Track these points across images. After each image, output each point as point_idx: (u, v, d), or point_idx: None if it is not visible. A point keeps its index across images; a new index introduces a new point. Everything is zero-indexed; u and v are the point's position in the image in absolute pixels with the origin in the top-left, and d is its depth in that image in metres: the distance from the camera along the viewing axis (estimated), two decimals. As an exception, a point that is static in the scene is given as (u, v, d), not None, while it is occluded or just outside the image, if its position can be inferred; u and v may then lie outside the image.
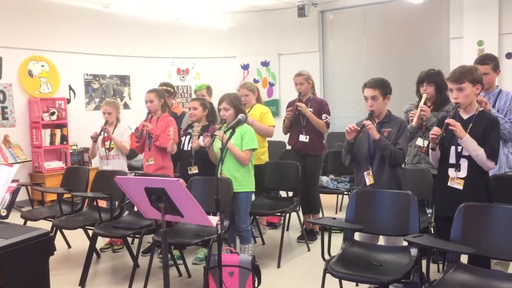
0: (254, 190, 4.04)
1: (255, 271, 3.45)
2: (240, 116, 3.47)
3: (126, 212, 4.34)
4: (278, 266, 4.17)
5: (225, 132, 3.63)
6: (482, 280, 2.55)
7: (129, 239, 4.33)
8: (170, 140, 4.24)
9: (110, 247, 4.76)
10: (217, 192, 2.97)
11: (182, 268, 4.04)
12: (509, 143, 3.56)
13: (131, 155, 5.33)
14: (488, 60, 3.60)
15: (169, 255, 3.99)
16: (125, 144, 4.73)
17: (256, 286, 3.46)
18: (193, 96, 6.93)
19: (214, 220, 2.57)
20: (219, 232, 3.05)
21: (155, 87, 4.81)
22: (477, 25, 6.63)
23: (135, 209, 4.06)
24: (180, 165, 4.47)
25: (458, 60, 6.18)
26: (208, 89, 5.57)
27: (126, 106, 8.20)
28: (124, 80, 8.27)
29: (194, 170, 4.16)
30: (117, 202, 4.36)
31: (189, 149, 4.18)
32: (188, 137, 4.23)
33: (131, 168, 6.49)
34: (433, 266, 3.72)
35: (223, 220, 3.66)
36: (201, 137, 3.94)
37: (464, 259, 2.79)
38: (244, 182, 3.87)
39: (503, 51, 6.58)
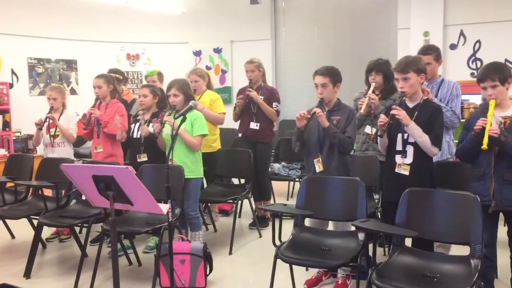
0: (203, 176, 4.02)
1: (207, 258, 3.46)
2: (192, 102, 3.43)
3: (74, 201, 4.21)
4: (230, 253, 4.18)
5: (175, 118, 3.58)
6: (425, 262, 2.67)
7: (77, 229, 4.21)
8: (118, 128, 4.13)
9: (56, 237, 4.62)
10: (167, 179, 2.93)
11: (132, 257, 3.98)
12: (450, 131, 3.71)
13: (78, 142, 5.18)
14: (430, 51, 3.72)
15: (119, 244, 3.93)
16: (71, 131, 4.58)
17: (207, 273, 3.47)
18: (144, 82, 6.80)
19: (165, 208, 2.54)
20: (170, 220, 3.02)
21: (104, 73, 4.67)
22: (423, 16, 6.85)
23: (83, 197, 3.95)
24: (129, 153, 4.38)
25: (405, 50, 6.37)
26: (159, 75, 5.47)
27: (73, 91, 7.93)
28: (70, 64, 7.98)
29: (144, 157, 4.09)
30: (63, 191, 4.23)
31: (138, 136, 4.10)
32: (137, 124, 4.14)
33: (79, 155, 6.31)
34: (380, 250, 3.86)
35: (174, 208, 3.63)
36: (151, 124, 3.87)
37: (408, 242, 2.90)
38: (194, 168, 3.85)
39: (447, 42, 6.84)
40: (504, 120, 2.78)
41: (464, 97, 3.90)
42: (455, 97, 3.63)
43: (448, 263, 2.63)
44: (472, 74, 6.78)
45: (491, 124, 2.68)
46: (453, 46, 6.86)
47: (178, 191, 3.62)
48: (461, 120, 3.70)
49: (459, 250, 2.84)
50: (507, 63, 6.32)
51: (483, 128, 2.67)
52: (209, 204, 4.89)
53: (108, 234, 3.51)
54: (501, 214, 2.90)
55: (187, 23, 8.45)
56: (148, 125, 3.97)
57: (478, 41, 6.72)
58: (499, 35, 6.52)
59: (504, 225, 2.96)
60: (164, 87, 4.41)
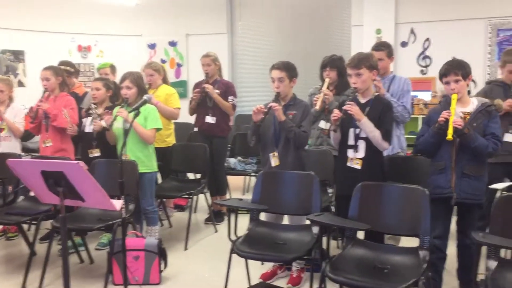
0: (157, 170, 3.97)
1: (161, 254, 3.42)
2: (146, 96, 3.36)
3: (21, 198, 4.05)
4: (185, 248, 4.16)
5: (129, 112, 3.50)
6: (377, 253, 2.74)
7: (25, 226, 4.06)
8: (69, 123, 4.00)
9: (3, 235, 4.44)
10: (121, 174, 2.87)
11: (84, 254, 3.88)
12: (401, 125, 3.82)
13: (26, 136, 4.97)
14: (382, 47, 3.81)
15: (70, 242, 3.82)
16: (18, 125, 4.41)
17: (162, 269, 3.44)
18: (96, 75, 6.61)
19: (118, 204, 2.48)
20: (123, 216, 2.97)
21: (53, 64, 4.50)
22: (376, 14, 7.01)
23: (31, 194, 3.81)
24: (81, 148, 4.26)
25: (358, 47, 6.50)
26: (112, 68, 5.34)
27: (20, 84, 7.61)
28: (18, 55, 7.65)
29: (96, 152, 3.98)
30: (10, 187, 4.06)
31: (90, 130, 3.99)
32: (89, 118, 4.03)
33: (27, 150, 6.05)
34: (333, 243, 3.94)
35: (128, 204, 3.56)
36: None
37: (361, 235, 2.97)
38: (148, 162, 3.80)
39: (399, 39, 7.03)
40: (464, 116, 2.88)
41: (413, 93, 4.02)
42: (406, 93, 3.73)
43: (398, 255, 2.72)
44: (421, 71, 7.00)
45: (454, 117, 2.77)
46: (404, 44, 7.06)
47: (132, 186, 3.55)
48: (411, 116, 3.82)
49: (408, 242, 2.93)
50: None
51: (447, 121, 2.77)
52: (164, 200, 4.83)
53: (58, 231, 3.41)
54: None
55: (141, 15, 8.28)
56: (100, 120, 3.87)
57: (428, 39, 6.94)
58: (447, 34, 6.76)
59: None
60: (117, 80, 4.31)
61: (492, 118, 2.87)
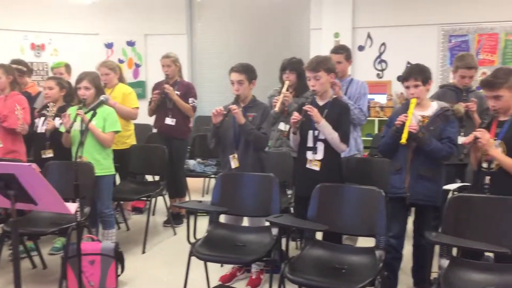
0: (114, 173, 3.90)
1: (118, 258, 3.35)
2: (103, 97, 3.29)
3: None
4: (143, 252, 4.08)
5: (85, 113, 3.42)
6: (335, 254, 2.78)
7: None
8: (19, 121, 3.85)
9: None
10: (76, 177, 2.80)
11: (37, 259, 3.75)
12: (358, 128, 3.90)
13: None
14: (341, 50, 3.88)
15: (21, 246, 3.68)
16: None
17: (119, 273, 3.36)
18: (50, 74, 6.41)
19: (73, 207, 2.41)
20: (78, 219, 2.88)
21: (3, 63, 4.32)
22: (334, 18, 7.12)
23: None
24: (33, 149, 4.11)
25: (317, 50, 6.61)
26: (67, 67, 5.19)
27: (-31, 82, 7.27)
28: (-34, 53, 7.32)
29: (49, 154, 3.85)
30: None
31: (43, 131, 3.86)
32: (42, 118, 3.90)
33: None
34: (293, 244, 3.97)
35: (83, 207, 3.46)
36: (57, 119, 3.66)
37: (320, 236, 3.01)
38: (106, 165, 3.73)
39: (356, 43, 7.17)
40: (423, 119, 2.96)
41: (370, 96, 4.11)
42: (363, 96, 3.81)
43: (355, 255, 2.77)
44: (378, 74, 7.17)
45: (411, 121, 2.85)
46: (361, 48, 7.21)
47: (88, 189, 3.45)
48: (368, 118, 3.91)
49: (365, 242, 2.99)
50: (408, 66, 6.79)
51: (404, 124, 2.84)
52: (121, 202, 4.73)
53: (9, 236, 3.28)
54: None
55: (98, 13, 8.08)
56: (54, 119, 3.75)
57: (384, 43, 7.12)
58: (402, 39, 6.95)
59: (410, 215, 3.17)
60: (72, 80, 4.19)
61: (449, 122, 2.95)
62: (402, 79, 3.03)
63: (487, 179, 2.73)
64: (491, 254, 2.82)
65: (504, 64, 6.52)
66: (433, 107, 3.00)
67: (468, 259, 2.58)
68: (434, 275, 2.64)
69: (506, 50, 6.55)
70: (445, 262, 2.53)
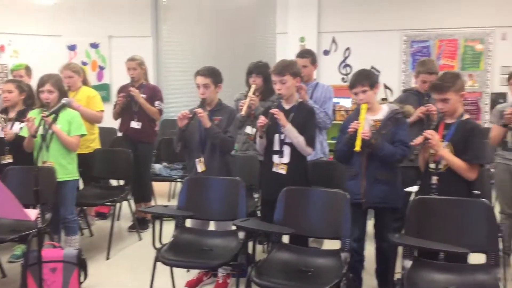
0: (79, 177, 3.82)
1: (81, 265, 3.27)
2: (64, 100, 3.22)
3: None
4: (107, 258, 4.01)
5: (47, 116, 3.33)
6: (301, 257, 2.80)
7: None
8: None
9: None
10: (36, 182, 2.71)
11: (-5, 268, 3.62)
12: (323, 131, 3.94)
13: None
14: (306, 54, 3.92)
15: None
16: None
17: (82, 280, 3.28)
18: (10, 77, 6.21)
19: (33, 213, 2.34)
20: (39, 226, 2.80)
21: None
22: (299, 22, 7.19)
23: None
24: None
25: (283, 54, 6.65)
26: (27, 69, 5.05)
27: None
28: None
29: (8, 159, 3.73)
30: None
31: (2, 136, 3.74)
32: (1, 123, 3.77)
33: None
34: (259, 247, 3.97)
35: (45, 213, 3.37)
36: (16, 123, 3.55)
37: (286, 239, 3.02)
38: (71, 169, 3.66)
39: (321, 48, 7.25)
40: (375, 123, 3.01)
41: (335, 100, 4.17)
42: (328, 100, 3.86)
43: (321, 257, 2.80)
44: (342, 79, 7.28)
45: (364, 127, 2.89)
46: (326, 52, 7.31)
47: (49, 194, 3.37)
48: (333, 122, 3.95)
49: (331, 244, 3.02)
50: (373, 70, 6.92)
51: (357, 131, 2.87)
52: (84, 208, 4.62)
53: (-34, 244, 3.16)
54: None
55: (60, 15, 7.89)
56: (13, 124, 3.64)
57: (348, 48, 7.24)
58: (366, 44, 7.08)
59: (369, 219, 3.22)
60: (33, 82, 4.08)
61: (400, 125, 3.02)
62: (349, 87, 3.07)
63: (435, 179, 2.82)
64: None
65: (463, 69, 6.75)
66: (384, 110, 3.05)
67: (430, 260, 2.64)
68: (397, 275, 2.69)
69: (465, 56, 6.77)
70: (408, 263, 2.58)
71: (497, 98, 6.41)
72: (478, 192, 3.27)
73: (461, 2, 6.71)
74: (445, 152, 2.76)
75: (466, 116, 2.90)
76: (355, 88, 3.02)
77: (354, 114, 3.14)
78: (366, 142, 2.86)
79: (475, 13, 6.65)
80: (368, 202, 3.00)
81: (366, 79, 3.00)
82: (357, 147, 2.84)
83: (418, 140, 2.76)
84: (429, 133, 2.75)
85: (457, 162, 2.75)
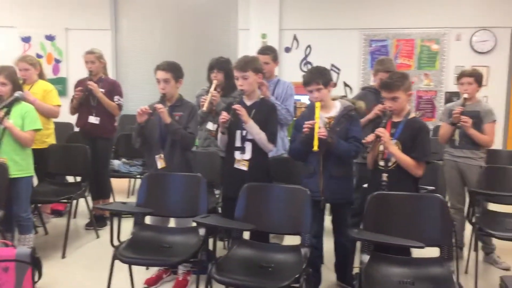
0: (33, 174, 3.70)
1: (35, 264, 3.16)
2: (17, 93, 3.10)
3: None
4: (63, 257, 3.90)
5: (-1, 110, 3.20)
6: (261, 253, 2.81)
7: None
8: None
9: None
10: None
11: None
12: (285, 128, 3.97)
13: None
14: (268, 51, 3.93)
15: None
16: None
17: (36, 280, 3.18)
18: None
19: (-17, 211, 2.25)
20: (-10, 224, 2.70)
21: None
22: (261, 19, 7.21)
23: None
24: None
25: (245, 50, 6.66)
26: (-22, 61, 4.84)
27: None
28: None
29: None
30: None
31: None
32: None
33: None
34: (220, 244, 3.96)
35: (-4, 211, 3.24)
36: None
37: (247, 235, 3.02)
38: (25, 166, 3.53)
39: (283, 45, 7.29)
40: (329, 120, 3.05)
41: (296, 97, 4.20)
42: (289, 96, 3.89)
43: (281, 253, 2.81)
44: (303, 76, 7.33)
45: (319, 126, 2.91)
46: (287, 49, 7.35)
47: (1, 191, 3.25)
48: (294, 118, 3.98)
49: (291, 240, 3.04)
50: (332, 68, 7.03)
51: (313, 129, 2.89)
52: (39, 205, 4.47)
53: None
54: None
55: (14, 5, 7.61)
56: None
57: (309, 46, 7.31)
58: (326, 42, 7.18)
59: (329, 215, 3.27)
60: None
61: (354, 121, 3.08)
62: (303, 84, 3.09)
63: (384, 176, 2.90)
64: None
65: (420, 69, 6.95)
66: (337, 107, 3.10)
67: (387, 254, 2.70)
68: (356, 270, 2.74)
69: (422, 55, 6.97)
70: (366, 258, 2.64)
71: (451, 97, 6.64)
72: (433, 188, 3.41)
73: (418, 3, 6.90)
74: (395, 149, 2.84)
75: (412, 115, 2.99)
76: (309, 86, 3.04)
77: (308, 112, 3.16)
78: (323, 141, 2.89)
79: (431, 14, 6.86)
80: (326, 199, 3.05)
81: (321, 77, 3.03)
82: (315, 147, 2.85)
83: (370, 137, 2.83)
84: (380, 131, 2.82)
85: (406, 159, 2.84)
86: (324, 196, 3.03)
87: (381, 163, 2.93)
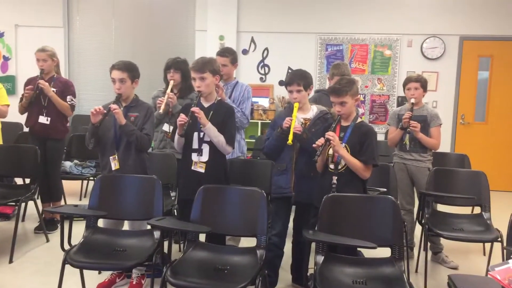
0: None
1: (-20, 270, 3.03)
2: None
3: None
4: (10, 261, 3.74)
5: None
6: (217, 255, 2.79)
7: None
8: None
9: None
10: None
11: None
12: (241, 130, 3.98)
13: None
14: (227, 53, 3.93)
15: None
16: None
17: (-19, 287, 3.05)
18: None
19: None
20: None
21: None
22: (219, 21, 7.20)
23: None
24: None
25: (202, 51, 6.63)
26: None
27: None
28: None
29: None
30: None
31: None
32: None
33: None
34: (176, 246, 3.92)
35: None
36: None
37: (203, 237, 3.01)
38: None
39: (240, 47, 7.32)
40: (305, 121, 3.16)
41: (253, 99, 4.23)
42: (246, 99, 3.90)
43: (237, 255, 2.81)
44: (261, 78, 7.39)
45: (295, 123, 3.01)
46: (245, 51, 7.38)
47: None
48: (251, 121, 4.00)
49: (248, 242, 3.05)
50: (289, 70, 7.11)
51: (289, 126, 2.98)
52: (-15, 208, 4.29)
53: None
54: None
55: (-41, -2, 7.28)
56: None
57: (266, 48, 7.36)
58: (283, 45, 7.26)
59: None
60: None
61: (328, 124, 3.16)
62: (285, 83, 3.18)
63: (334, 179, 2.97)
64: (362, 250, 3.06)
65: (373, 73, 7.14)
66: (313, 110, 3.23)
67: (342, 255, 2.76)
68: (311, 271, 2.78)
69: (375, 61, 7.16)
70: (320, 258, 2.68)
71: (403, 101, 6.85)
72: (384, 189, 3.50)
73: (372, 9, 7.09)
74: (345, 152, 2.91)
75: (359, 120, 3.08)
76: (291, 86, 3.14)
77: (285, 112, 3.27)
78: (298, 137, 3.00)
79: (384, 21, 7.06)
80: (296, 197, 3.10)
81: (302, 79, 3.14)
82: (290, 140, 2.96)
83: (320, 141, 2.88)
84: (330, 134, 2.88)
85: (355, 162, 2.91)
86: (295, 193, 3.09)
87: (331, 166, 2.99)
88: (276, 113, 4.24)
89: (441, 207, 4.01)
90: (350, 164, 2.91)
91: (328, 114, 3.23)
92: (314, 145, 2.91)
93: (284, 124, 3.04)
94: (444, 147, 4.38)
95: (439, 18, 6.98)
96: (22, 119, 4.57)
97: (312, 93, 3.30)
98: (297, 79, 3.13)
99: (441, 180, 3.85)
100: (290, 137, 2.97)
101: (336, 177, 2.95)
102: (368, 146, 2.94)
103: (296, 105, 3.09)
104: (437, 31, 6.99)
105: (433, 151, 4.05)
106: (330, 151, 2.95)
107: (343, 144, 2.94)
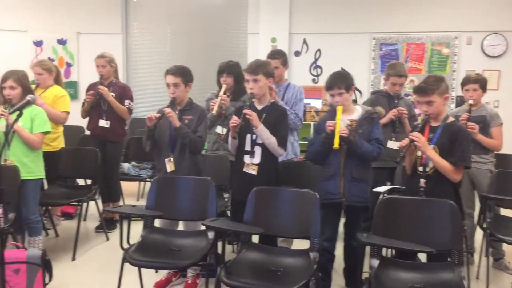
0: (44, 177, 3.73)
1: (46, 266, 3.18)
2: (29, 97, 3.11)
3: None
4: (73, 259, 3.92)
5: (10, 113, 3.23)
6: (270, 257, 2.81)
7: None
8: None
9: None
10: (-1, 181, 2.63)
11: (-46, 270, 3.49)
12: (294, 132, 3.96)
13: None
14: (278, 55, 3.92)
15: None
16: None
17: (47, 282, 3.20)
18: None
19: (-5, 213, 2.27)
20: (2, 226, 2.71)
21: None
22: (271, 23, 7.22)
23: None
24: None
25: (254, 54, 6.66)
26: (-9, 65, 4.89)
27: None
28: None
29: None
30: None
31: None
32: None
33: None
34: (229, 247, 3.96)
35: (7, 213, 3.26)
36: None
37: (256, 239, 3.02)
38: (34, 168, 3.56)
39: (292, 49, 7.30)
40: (351, 123, 3.07)
41: (306, 101, 4.20)
42: (299, 101, 3.87)
43: (290, 257, 2.81)
44: (313, 80, 7.34)
45: (340, 126, 2.93)
46: (297, 53, 7.36)
47: (13, 194, 3.27)
48: (304, 122, 3.98)
49: (300, 244, 3.04)
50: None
51: (334, 130, 2.91)
52: (49, 207, 4.51)
53: None
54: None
55: (26, 9, 7.69)
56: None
57: (319, 49, 7.30)
58: (336, 46, 7.17)
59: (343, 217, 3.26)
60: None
61: (375, 124, 3.10)
62: (326, 88, 3.11)
63: (422, 182, 2.86)
64: (421, 255, 2.96)
65: (430, 72, 6.90)
66: (358, 111, 3.13)
67: (399, 259, 2.69)
68: (365, 275, 2.72)
69: (432, 59, 6.93)
70: (376, 262, 2.62)
71: (462, 101, 6.58)
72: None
73: (428, 7, 6.86)
74: (432, 153, 2.78)
75: (451, 119, 2.94)
76: (332, 90, 3.06)
77: (329, 115, 3.18)
78: (345, 139, 2.92)
79: (441, 18, 6.82)
80: (347, 201, 3.03)
81: (343, 82, 3.05)
82: (336, 144, 2.87)
83: (404, 142, 2.79)
84: (414, 135, 2.77)
85: (444, 164, 2.78)
86: (345, 198, 3.02)
87: (420, 168, 2.89)
88: (321, 117, 4.18)
89: (504, 211, 3.82)
90: (438, 166, 2.78)
91: (374, 113, 3.14)
92: (398, 146, 2.83)
93: (328, 128, 2.95)
94: (508, 148, 4.16)
95: (501, 14, 6.66)
96: (84, 122, 4.78)
97: (353, 93, 3.18)
98: (338, 82, 3.04)
99: (504, 182, 3.66)
100: (336, 141, 2.87)
101: (425, 180, 2.85)
102: (459, 146, 2.79)
103: (339, 108, 3.00)
104: (499, 28, 6.67)
105: (495, 152, 3.87)
106: (419, 153, 2.86)
107: (432, 145, 2.83)
